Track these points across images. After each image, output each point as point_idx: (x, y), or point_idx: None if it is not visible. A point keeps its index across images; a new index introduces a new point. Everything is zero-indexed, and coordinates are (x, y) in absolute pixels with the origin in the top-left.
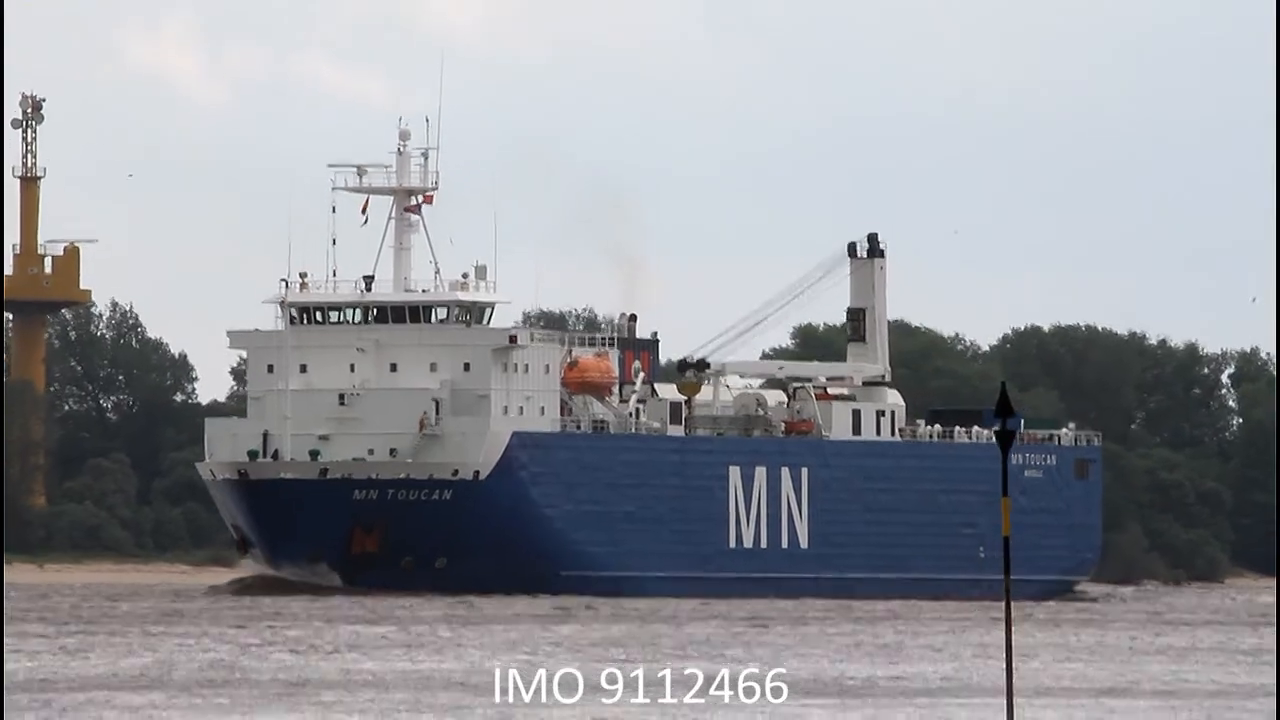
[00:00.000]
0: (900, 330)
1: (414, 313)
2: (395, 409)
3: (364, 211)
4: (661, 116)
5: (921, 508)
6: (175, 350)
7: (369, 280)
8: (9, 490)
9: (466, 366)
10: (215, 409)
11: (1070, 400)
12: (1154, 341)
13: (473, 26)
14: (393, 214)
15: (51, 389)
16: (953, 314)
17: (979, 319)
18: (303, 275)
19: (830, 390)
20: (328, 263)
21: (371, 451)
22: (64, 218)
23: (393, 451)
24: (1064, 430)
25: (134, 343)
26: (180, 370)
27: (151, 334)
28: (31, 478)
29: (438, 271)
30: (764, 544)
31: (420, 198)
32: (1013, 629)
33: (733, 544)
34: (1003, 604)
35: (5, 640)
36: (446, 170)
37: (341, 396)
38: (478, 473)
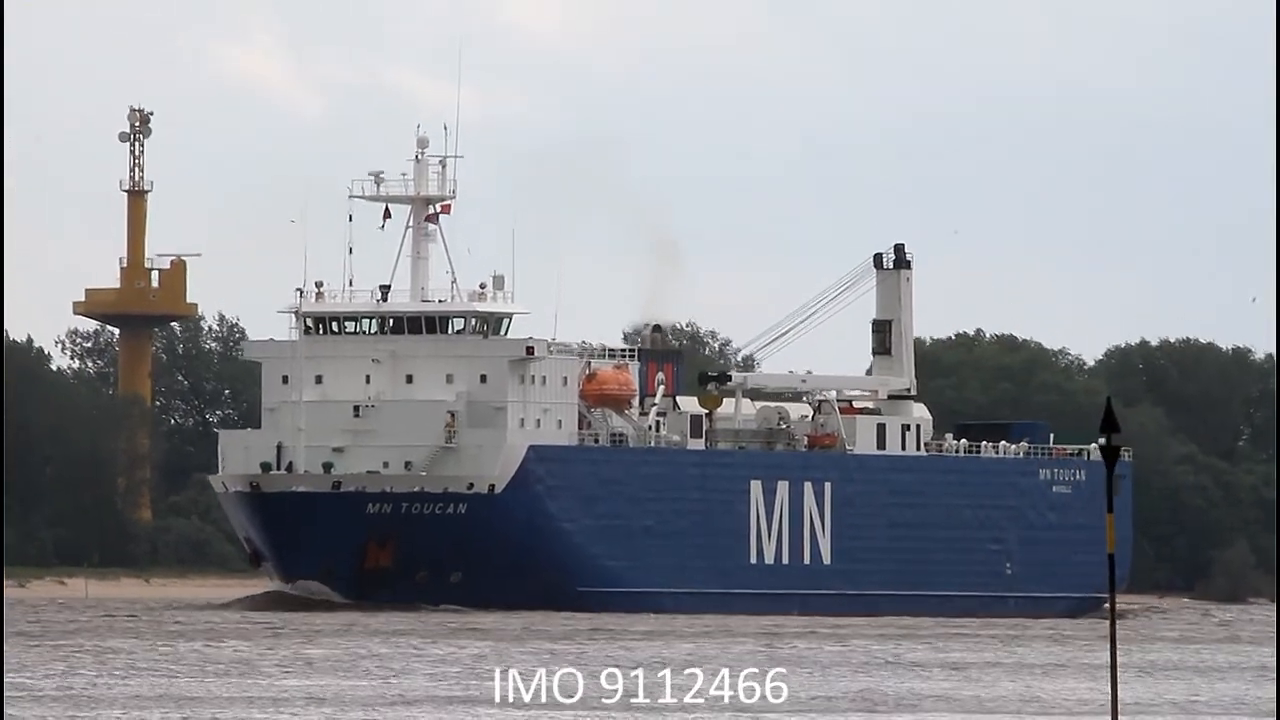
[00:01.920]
0: (1006, 344)
1: (430, 323)
2: (411, 421)
3: (385, 218)
4: (686, 119)
5: (947, 523)
6: None
7: (385, 290)
8: (118, 504)
9: (483, 378)
10: None
11: (1176, 416)
12: (1260, 357)
13: (553, 31)
14: (410, 223)
15: (157, 403)
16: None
17: (1076, 332)
18: (318, 284)
19: (855, 405)
20: (344, 272)
21: (386, 464)
22: (170, 231)
23: (407, 464)
24: (1093, 445)
25: (240, 356)
26: None
27: None
28: (137, 492)
29: (455, 281)
30: (785, 560)
31: (439, 207)
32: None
33: (753, 559)
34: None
35: None
36: (465, 179)
37: (356, 408)
38: (493, 486)
